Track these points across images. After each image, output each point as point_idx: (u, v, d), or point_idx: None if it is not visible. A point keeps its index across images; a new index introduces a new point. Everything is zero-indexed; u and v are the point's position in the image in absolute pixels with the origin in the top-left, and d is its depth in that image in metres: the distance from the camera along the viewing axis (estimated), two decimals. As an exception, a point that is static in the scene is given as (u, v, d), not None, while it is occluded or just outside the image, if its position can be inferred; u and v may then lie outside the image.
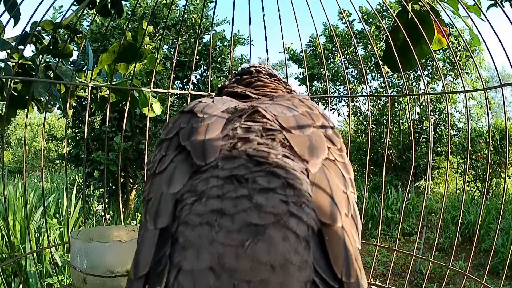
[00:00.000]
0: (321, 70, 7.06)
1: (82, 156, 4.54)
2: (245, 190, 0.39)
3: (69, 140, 4.69)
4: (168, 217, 0.40)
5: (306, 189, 0.41)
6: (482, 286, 0.91)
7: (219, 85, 0.68)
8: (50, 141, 8.48)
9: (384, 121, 6.72)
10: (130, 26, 4.16)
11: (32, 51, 1.25)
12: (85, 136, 1.09)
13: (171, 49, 5.14)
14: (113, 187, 4.58)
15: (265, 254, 0.35)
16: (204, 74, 5.44)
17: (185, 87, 5.27)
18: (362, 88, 7.29)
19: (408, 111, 2.20)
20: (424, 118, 6.57)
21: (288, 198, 0.39)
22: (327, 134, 0.49)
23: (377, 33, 6.58)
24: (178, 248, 0.37)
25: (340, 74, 7.03)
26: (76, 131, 4.86)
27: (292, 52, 7.49)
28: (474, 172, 5.76)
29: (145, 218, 0.43)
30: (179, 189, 0.42)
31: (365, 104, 7.30)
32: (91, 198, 4.45)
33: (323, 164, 0.44)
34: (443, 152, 6.71)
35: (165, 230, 0.40)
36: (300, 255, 0.36)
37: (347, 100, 7.53)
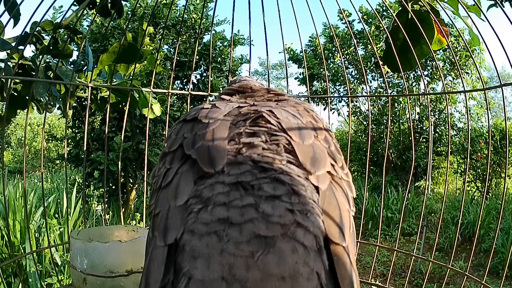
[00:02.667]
0: (321, 70, 7.06)
1: (82, 156, 4.54)
2: (251, 198, 0.39)
3: (69, 140, 4.69)
4: (177, 232, 0.40)
5: (310, 195, 0.41)
6: (482, 286, 0.90)
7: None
8: (50, 141, 8.49)
9: (384, 121, 6.72)
10: (130, 26, 4.16)
11: (32, 51, 1.25)
12: (85, 136, 1.09)
13: (171, 49, 5.14)
14: (113, 187, 4.58)
15: (275, 266, 0.35)
16: (204, 74, 5.44)
17: (185, 87, 5.27)
18: (362, 88, 7.29)
19: (408, 111, 2.20)
20: (424, 118, 6.57)
21: (294, 206, 0.39)
22: (330, 151, 0.49)
23: (377, 33, 6.58)
24: (186, 256, 0.37)
25: (340, 74, 7.04)
26: (76, 131, 4.86)
27: (292, 52, 7.50)
28: (474, 172, 5.76)
29: (152, 234, 0.43)
30: (186, 200, 0.41)
31: (365, 104, 7.31)
32: (91, 198, 4.45)
33: (331, 182, 0.45)
34: (443, 152, 6.71)
35: (173, 245, 0.39)
36: (308, 266, 0.36)
37: (347, 100, 7.54)
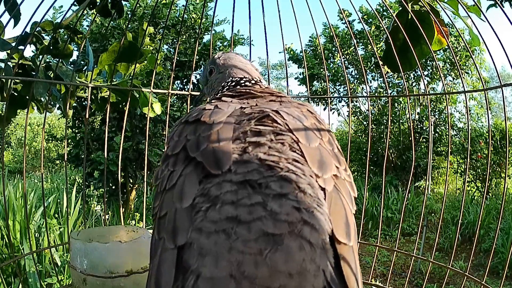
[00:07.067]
0: (321, 70, 7.06)
1: (82, 156, 4.53)
2: (259, 197, 0.39)
3: (69, 140, 4.69)
4: (187, 233, 0.40)
5: (316, 193, 0.42)
6: (482, 286, 0.91)
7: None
8: (50, 141, 8.47)
9: (384, 121, 6.72)
10: (130, 26, 4.16)
11: (32, 51, 1.25)
12: (85, 136, 1.09)
13: (171, 49, 5.14)
14: (113, 187, 4.58)
15: (283, 263, 0.36)
16: (204, 74, 5.44)
17: (185, 87, 5.27)
18: (362, 88, 7.29)
19: (408, 111, 2.20)
20: (424, 118, 6.57)
21: (300, 204, 0.40)
22: (334, 153, 0.49)
23: (377, 33, 6.57)
24: (194, 254, 0.37)
25: (340, 74, 7.03)
26: (76, 131, 4.86)
27: (292, 52, 7.49)
28: (474, 172, 5.76)
29: (159, 235, 0.43)
30: (192, 201, 0.41)
31: (365, 104, 7.30)
32: (91, 198, 4.45)
33: (336, 183, 0.45)
34: (443, 152, 6.71)
35: (182, 246, 0.39)
36: (315, 263, 0.37)
37: (347, 100, 7.53)
